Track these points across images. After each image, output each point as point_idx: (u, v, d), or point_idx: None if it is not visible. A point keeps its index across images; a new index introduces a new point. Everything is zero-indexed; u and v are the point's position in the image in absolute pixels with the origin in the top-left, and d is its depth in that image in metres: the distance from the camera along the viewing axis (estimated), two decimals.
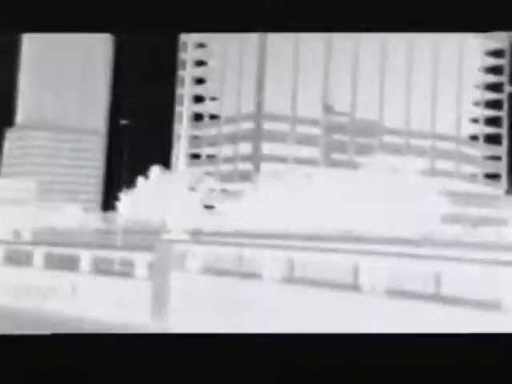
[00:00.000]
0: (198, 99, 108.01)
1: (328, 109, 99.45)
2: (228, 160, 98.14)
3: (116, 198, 69.20)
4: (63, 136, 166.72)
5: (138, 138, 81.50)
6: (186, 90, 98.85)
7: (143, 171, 71.08)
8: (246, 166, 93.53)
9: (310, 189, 50.30)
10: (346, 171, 69.19)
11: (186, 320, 27.78)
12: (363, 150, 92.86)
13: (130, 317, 29.01)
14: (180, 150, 49.58)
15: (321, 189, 49.48)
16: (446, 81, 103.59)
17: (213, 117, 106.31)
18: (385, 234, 32.19)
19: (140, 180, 70.64)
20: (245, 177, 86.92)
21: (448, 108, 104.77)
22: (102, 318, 29.00)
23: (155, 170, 71.38)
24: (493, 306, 18.42)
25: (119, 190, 66.66)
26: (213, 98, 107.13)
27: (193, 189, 68.07)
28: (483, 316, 18.53)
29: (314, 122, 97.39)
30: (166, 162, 74.65)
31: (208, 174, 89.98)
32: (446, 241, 30.14)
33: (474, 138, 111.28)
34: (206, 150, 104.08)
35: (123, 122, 64.03)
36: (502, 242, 29.42)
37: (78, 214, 71.73)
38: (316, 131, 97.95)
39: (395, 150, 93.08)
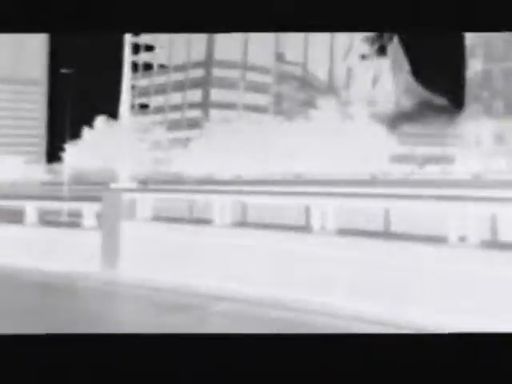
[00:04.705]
0: (149, 48, 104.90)
1: (279, 57, 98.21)
2: (176, 108, 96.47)
3: (61, 149, 67.22)
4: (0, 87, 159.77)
5: (82, 87, 78.89)
6: (132, 38, 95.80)
7: (88, 121, 69.11)
8: (195, 114, 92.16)
9: (259, 134, 49.92)
10: (295, 117, 68.90)
11: (137, 269, 27.46)
12: (313, 99, 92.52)
13: (81, 267, 28.51)
14: (125, 99, 48.17)
15: (270, 134, 49.15)
16: None
17: (163, 66, 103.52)
18: (334, 177, 32.35)
19: (85, 130, 68.77)
20: (193, 124, 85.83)
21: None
22: (53, 270, 28.41)
23: (100, 120, 69.58)
24: (440, 240, 18.73)
25: (64, 141, 64.68)
26: (162, 47, 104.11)
27: (141, 138, 66.79)
28: (431, 250, 18.87)
29: (264, 70, 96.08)
30: (112, 112, 72.67)
31: (156, 123, 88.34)
32: (394, 180, 30.56)
33: None
34: (154, 99, 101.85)
35: (65, 70, 61.41)
36: (449, 179, 30.00)
37: (21, 167, 69.58)
38: (266, 79, 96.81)
39: (342, 103, 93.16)
